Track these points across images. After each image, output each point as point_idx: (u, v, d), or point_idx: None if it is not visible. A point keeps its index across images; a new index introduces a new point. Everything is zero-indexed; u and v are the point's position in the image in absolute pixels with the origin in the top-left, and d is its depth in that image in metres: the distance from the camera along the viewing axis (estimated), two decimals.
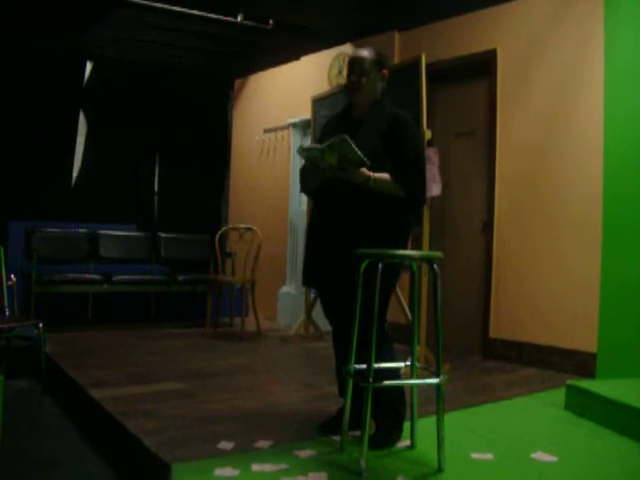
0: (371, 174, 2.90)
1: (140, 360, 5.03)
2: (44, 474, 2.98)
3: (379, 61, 3.11)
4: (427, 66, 4.74)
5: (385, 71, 3.13)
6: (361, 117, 3.11)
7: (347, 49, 6.52)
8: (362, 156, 2.84)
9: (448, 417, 2.93)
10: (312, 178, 3.13)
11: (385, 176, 2.94)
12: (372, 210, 2.99)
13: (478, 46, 5.52)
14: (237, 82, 8.56)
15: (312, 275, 3.20)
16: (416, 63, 4.74)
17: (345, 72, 3.19)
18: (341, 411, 3.04)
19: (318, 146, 2.93)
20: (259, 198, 7.90)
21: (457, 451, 2.91)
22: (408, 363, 3.03)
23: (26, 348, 4.77)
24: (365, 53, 3.11)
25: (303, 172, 3.20)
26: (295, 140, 7.30)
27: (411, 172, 2.99)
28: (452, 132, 5.83)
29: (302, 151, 3.06)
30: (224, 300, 6.83)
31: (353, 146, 2.81)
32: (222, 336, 6.30)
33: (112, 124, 7.75)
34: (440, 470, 2.70)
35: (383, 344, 2.96)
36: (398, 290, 4.77)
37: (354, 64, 3.09)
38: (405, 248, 3.15)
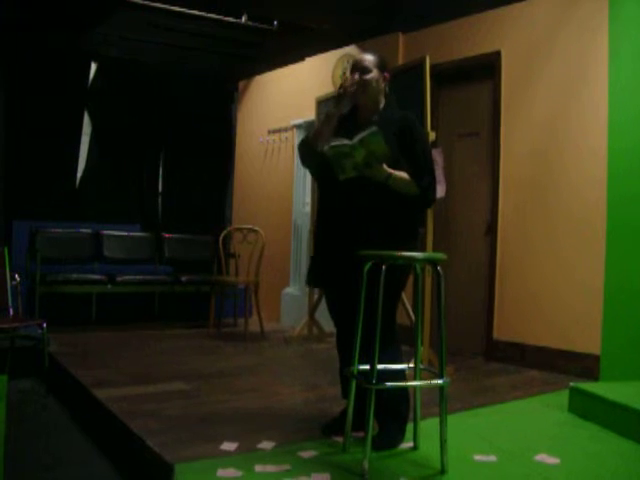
0: (391, 171, 2.92)
1: (143, 360, 5.04)
2: (48, 474, 2.99)
3: (381, 63, 3.16)
4: (431, 68, 4.74)
5: (387, 74, 3.16)
6: (368, 119, 3.12)
7: (351, 50, 6.53)
8: (388, 149, 2.84)
9: (451, 419, 2.93)
10: (337, 176, 3.07)
11: (402, 174, 2.97)
12: (382, 211, 3.00)
13: (482, 48, 5.52)
14: (241, 83, 8.57)
15: (320, 276, 3.21)
16: (420, 65, 4.74)
17: (348, 74, 3.22)
18: (344, 412, 3.04)
19: (348, 142, 2.86)
20: (263, 199, 7.91)
21: (460, 453, 2.91)
22: (411, 365, 3.03)
23: (30, 348, 4.77)
24: (367, 55, 3.18)
25: (302, 147, 3.20)
26: (299, 141, 7.29)
27: (424, 170, 3.03)
28: (456, 134, 5.82)
29: (331, 148, 2.93)
30: (228, 301, 6.84)
31: (382, 138, 2.80)
32: (226, 337, 6.31)
33: (116, 125, 7.76)
34: (443, 472, 2.70)
35: (389, 346, 2.97)
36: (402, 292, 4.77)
37: (356, 65, 3.16)
38: (414, 250, 3.15)
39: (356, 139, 2.84)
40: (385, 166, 2.91)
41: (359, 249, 2.85)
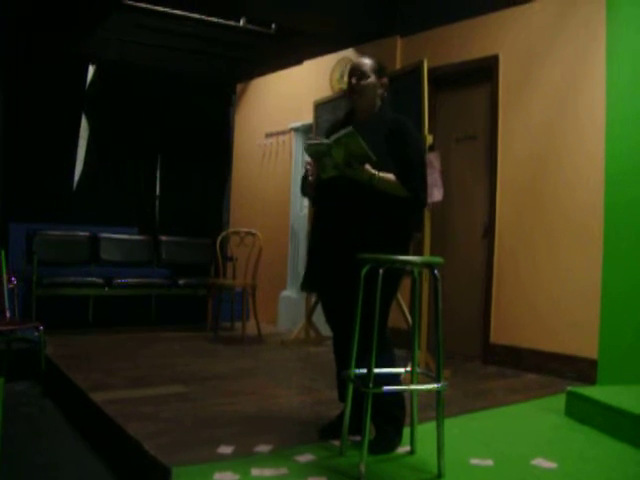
0: (375, 172, 2.92)
1: (140, 363, 5.04)
2: (44, 477, 2.98)
3: (379, 68, 3.18)
4: (429, 71, 4.75)
5: (385, 79, 3.17)
6: (363, 121, 3.14)
7: (349, 54, 6.53)
8: (368, 150, 2.85)
9: (448, 423, 2.93)
10: (316, 176, 3.11)
11: (389, 175, 2.97)
12: (375, 214, 3.00)
13: (480, 52, 5.53)
14: (239, 86, 8.57)
15: (314, 280, 3.21)
16: (418, 68, 4.75)
17: (346, 78, 3.24)
18: (341, 416, 3.04)
19: (325, 141, 2.92)
20: (260, 202, 7.91)
21: (457, 457, 2.90)
22: (408, 369, 3.03)
23: (26, 351, 4.76)
24: (366, 60, 3.20)
25: (305, 179, 3.22)
26: (297, 144, 7.31)
27: (414, 173, 3.02)
28: (453, 137, 5.83)
29: (309, 147, 3.03)
30: (225, 304, 6.83)
31: (359, 139, 2.82)
32: (223, 340, 6.30)
33: (114, 127, 7.76)
34: (440, 476, 2.70)
35: (384, 349, 2.97)
36: (399, 295, 4.77)
37: (355, 69, 3.17)
38: (407, 253, 3.16)
39: (332, 138, 2.89)
40: (368, 167, 2.92)
41: (350, 252, 2.85)
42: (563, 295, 4.89)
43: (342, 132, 2.86)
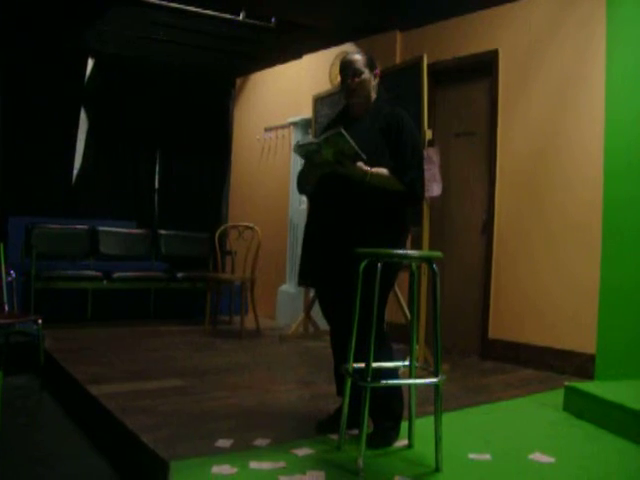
0: (368, 169, 2.92)
1: (139, 357, 5.04)
2: (42, 470, 2.98)
3: (370, 62, 3.16)
4: (428, 66, 4.74)
5: (377, 70, 3.17)
6: (359, 116, 3.14)
7: (349, 48, 6.51)
8: (357, 149, 2.86)
9: (446, 417, 2.93)
10: (310, 175, 3.13)
11: (382, 170, 2.96)
12: (370, 208, 3.00)
13: (480, 47, 5.52)
14: (238, 80, 8.56)
15: (309, 274, 3.21)
16: (417, 63, 4.74)
17: (339, 78, 3.23)
18: (339, 410, 3.04)
19: (314, 140, 2.95)
20: (259, 196, 7.91)
21: (455, 451, 2.91)
22: (407, 363, 3.04)
23: (25, 344, 4.77)
24: (356, 56, 3.16)
25: (301, 175, 3.22)
26: (296, 139, 7.30)
27: (410, 166, 3.01)
28: (453, 132, 5.83)
29: (298, 147, 3.06)
30: (223, 298, 6.84)
31: (348, 138, 2.84)
32: (221, 334, 6.30)
33: (113, 121, 7.76)
34: (437, 470, 2.70)
35: (382, 343, 2.97)
36: (397, 290, 4.78)
37: (347, 67, 3.14)
38: (403, 246, 3.16)
39: (321, 137, 2.91)
40: (361, 164, 2.91)
41: (346, 245, 2.86)
42: (561, 290, 4.89)
43: (330, 132, 2.88)
